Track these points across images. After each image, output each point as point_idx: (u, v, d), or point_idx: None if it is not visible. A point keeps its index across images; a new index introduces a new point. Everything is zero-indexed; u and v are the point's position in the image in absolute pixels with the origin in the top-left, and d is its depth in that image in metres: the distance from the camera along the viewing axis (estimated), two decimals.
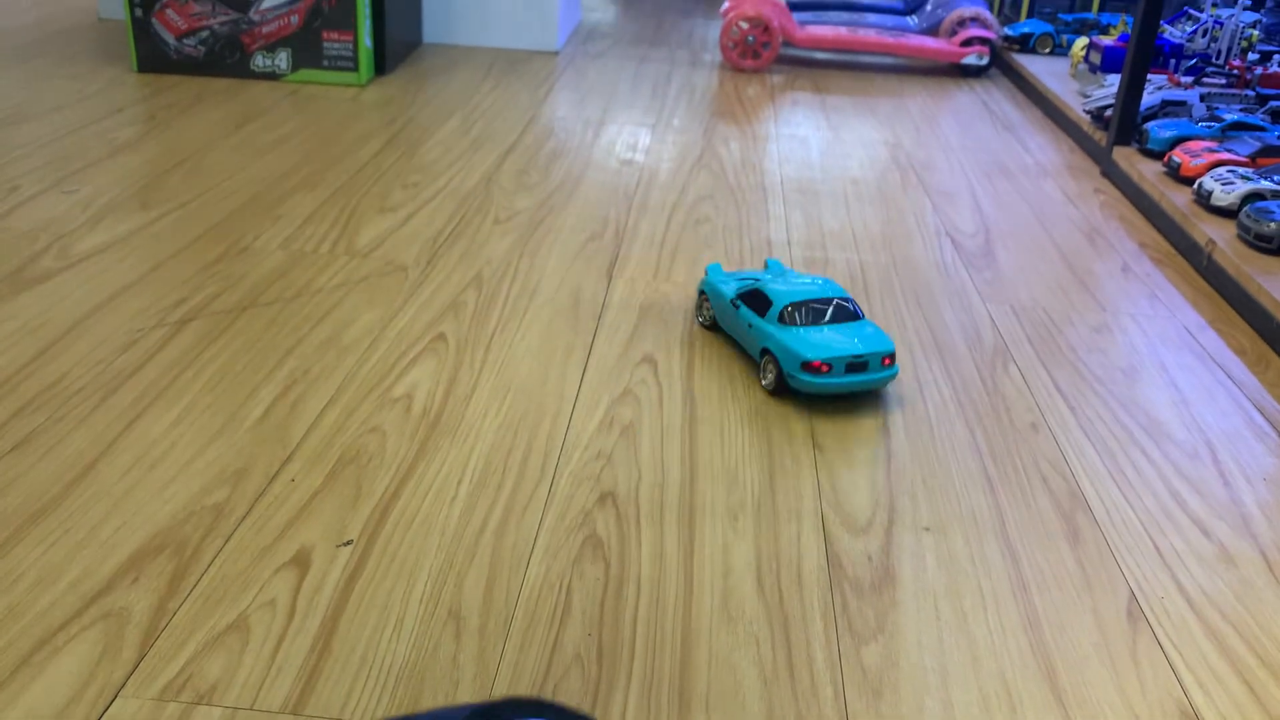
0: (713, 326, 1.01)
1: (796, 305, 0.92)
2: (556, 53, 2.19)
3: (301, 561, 0.67)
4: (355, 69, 1.79)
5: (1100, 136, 1.65)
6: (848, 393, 0.90)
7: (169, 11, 1.75)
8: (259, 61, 1.79)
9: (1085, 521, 0.77)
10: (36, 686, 0.57)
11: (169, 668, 0.58)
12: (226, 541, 0.69)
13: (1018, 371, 0.98)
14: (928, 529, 0.75)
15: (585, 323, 1.02)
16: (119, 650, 0.59)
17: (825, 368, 0.87)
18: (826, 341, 0.89)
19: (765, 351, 0.91)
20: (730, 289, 0.99)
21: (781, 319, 0.92)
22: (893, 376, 0.91)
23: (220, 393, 0.86)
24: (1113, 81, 1.77)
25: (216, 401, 0.84)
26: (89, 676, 0.57)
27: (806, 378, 0.87)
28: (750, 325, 0.94)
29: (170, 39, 1.77)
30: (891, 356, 0.90)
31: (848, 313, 0.94)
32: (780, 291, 0.93)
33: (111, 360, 0.89)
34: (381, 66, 1.88)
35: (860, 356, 0.88)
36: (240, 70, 1.79)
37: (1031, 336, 1.06)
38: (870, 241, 1.28)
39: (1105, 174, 1.60)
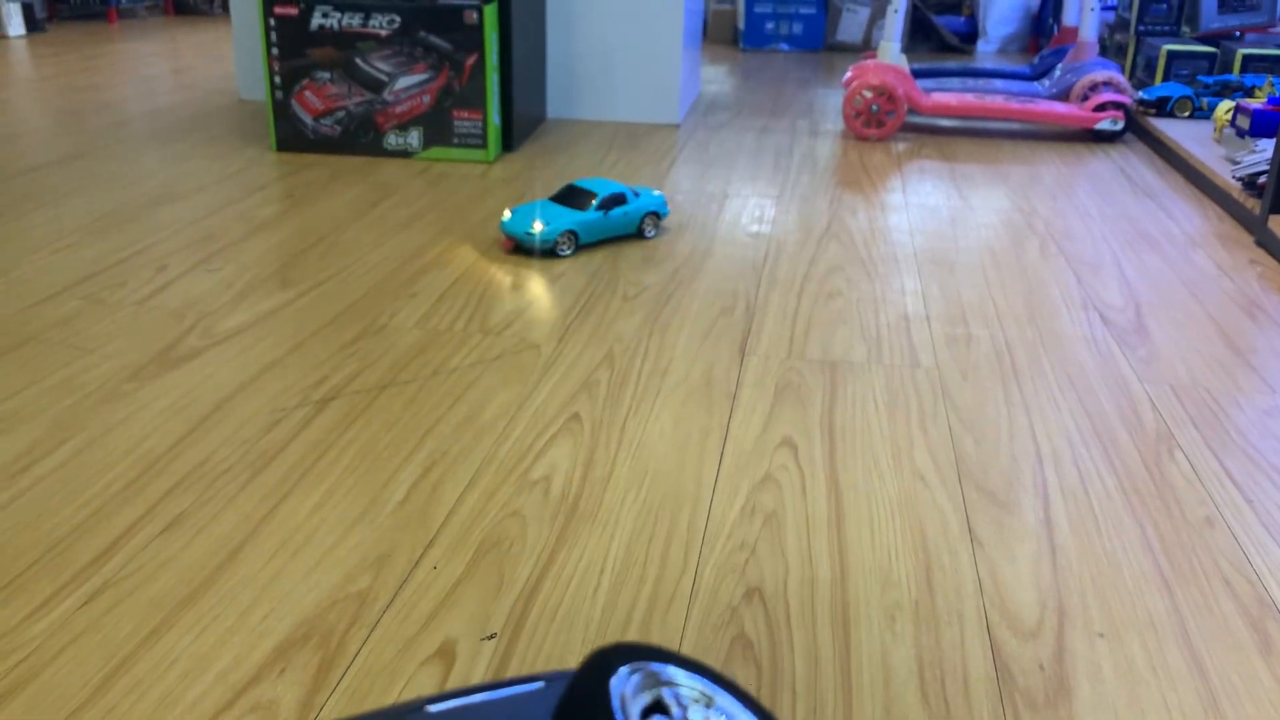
0: (576, 251, 1.40)
1: (629, 189, 1.47)
2: (677, 125, 2.21)
3: (446, 655, 0.66)
4: (484, 146, 1.83)
5: (1253, 204, 1.57)
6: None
7: (308, 93, 1.82)
8: (391, 140, 1.84)
9: (1277, 632, 0.71)
10: None
11: None
12: (371, 631, 0.68)
13: (1185, 459, 0.92)
14: (1101, 634, 0.70)
15: (719, 403, 1.00)
16: None
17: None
18: (653, 196, 1.49)
19: (649, 215, 1.46)
20: (576, 215, 1.39)
21: (636, 194, 1.46)
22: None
23: (362, 474, 0.86)
24: (1265, 146, 1.69)
25: (359, 484, 0.84)
26: None
27: (666, 209, 1.49)
28: (626, 212, 1.43)
29: (308, 119, 1.84)
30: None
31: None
32: (610, 189, 1.43)
33: (256, 440, 0.90)
34: (509, 143, 1.92)
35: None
36: (373, 149, 1.85)
37: (1196, 419, 0.99)
38: (1013, 316, 1.23)
39: (1260, 243, 1.51)
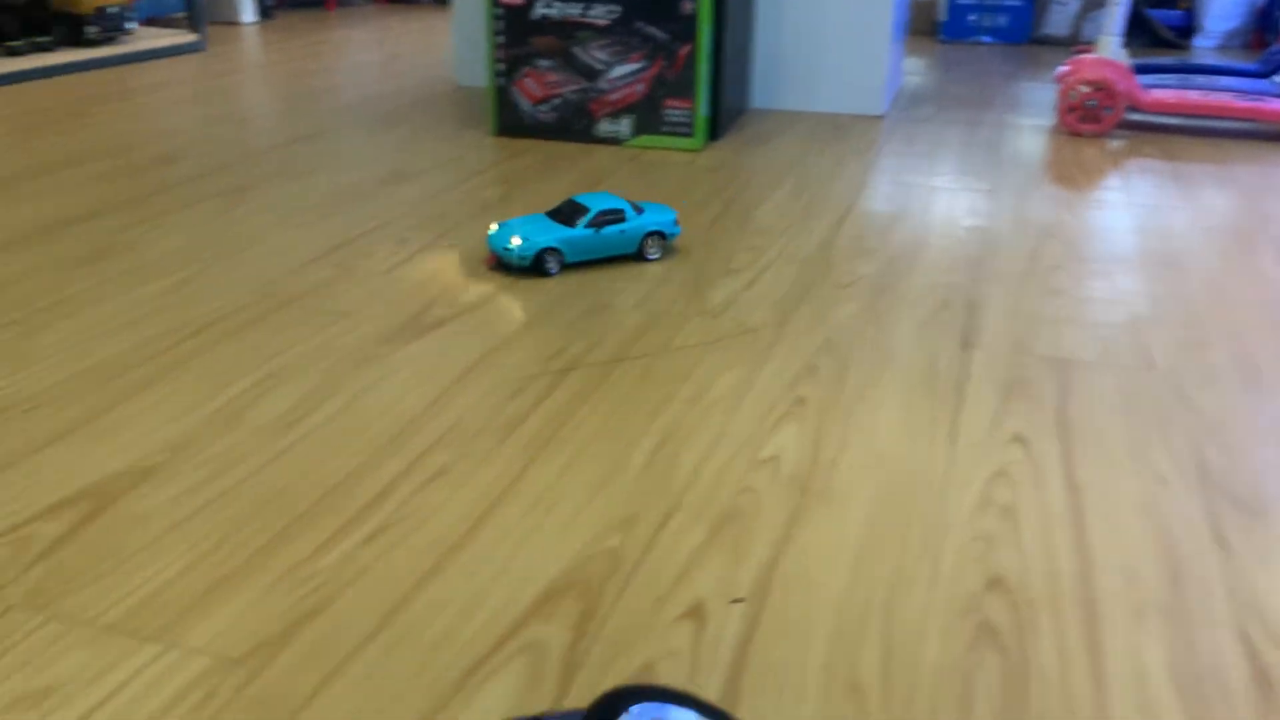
0: (561, 269, 1.30)
1: (631, 205, 1.34)
2: (881, 117, 2.19)
3: (697, 614, 0.69)
4: (692, 135, 1.87)
5: None
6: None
7: (528, 80, 1.90)
8: (603, 127, 1.90)
9: None
10: (475, 707, 0.61)
11: (593, 694, 0.61)
12: (625, 587, 0.72)
13: None
14: None
15: (945, 394, 1.00)
16: (542, 682, 0.63)
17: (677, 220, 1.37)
18: (660, 212, 1.36)
19: (651, 235, 1.33)
20: (562, 231, 1.29)
21: (639, 211, 1.34)
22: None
23: (603, 441, 0.90)
24: None
25: (601, 450, 0.89)
26: (518, 706, 0.61)
27: (675, 230, 1.36)
28: (622, 231, 1.31)
29: (527, 106, 1.92)
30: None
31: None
32: (605, 203, 1.32)
33: (503, 405, 0.96)
34: (715, 132, 1.95)
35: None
36: (585, 135, 1.91)
37: None
38: (1251, 323, 1.18)
39: None
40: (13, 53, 2.42)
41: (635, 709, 0.28)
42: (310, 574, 0.73)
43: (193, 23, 2.85)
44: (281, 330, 1.11)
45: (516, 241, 1.26)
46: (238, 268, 1.28)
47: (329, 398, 0.97)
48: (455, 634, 0.67)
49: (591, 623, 0.68)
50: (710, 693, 0.63)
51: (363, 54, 2.90)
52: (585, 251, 1.30)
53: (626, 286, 1.25)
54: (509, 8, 1.85)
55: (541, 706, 0.61)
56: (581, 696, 0.62)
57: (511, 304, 1.19)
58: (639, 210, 1.33)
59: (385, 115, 2.13)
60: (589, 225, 1.29)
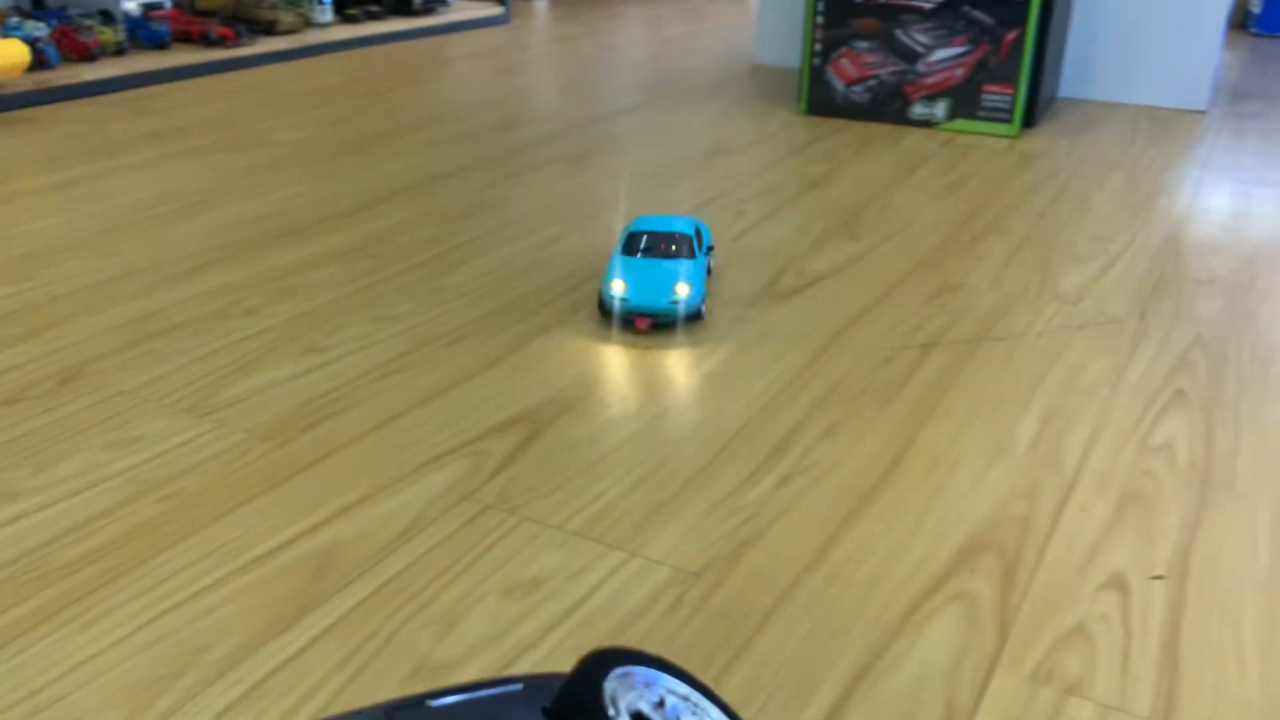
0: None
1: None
2: (1203, 112, 2.09)
3: (1119, 585, 0.72)
4: (1010, 121, 1.85)
5: None
6: None
7: (844, 61, 1.93)
8: (917, 110, 1.91)
9: None
10: (921, 645, 0.66)
11: (1029, 656, 0.65)
12: (1041, 552, 0.75)
13: None
14: None
15: None
16: (980, 630, 0.67)
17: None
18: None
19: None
20: (686, 265, 1.10)
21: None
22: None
23: (984, 416, 0.93)
24: None
25: (984, 424, 0.92)
26: (962, 648, 0.66)
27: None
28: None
29: (840, 86, 1.95)
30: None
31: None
32: (672, 219, 1.15)
33: (875, 372, 1.01)
34: (1029, 120, 1.92)
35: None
36: (898, 117, 1.93)
37: None
38: None
39: None
40: (350, 20, 2.65)
41: (620, 670, 0.28)
42: (738, 507, 0.80)
43: None
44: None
45: (684, 290, 1.07)
46: (597, 229, 1.38)
47: (715, 351, 1.04)
48: (886, 576, 0.72)
49: (1016, 581, 0.72)
50: (1146, 662, 0.65)
51: (655, 29, 3.00)
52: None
53: (974, 268, 1.26)
54: None
55: (987, 652, 0.65)
56: (1021, 647, 0.66)
57: (859, 278, 1.23)
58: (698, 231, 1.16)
59: (692, 91, 2.21)
60: (708, 251, 1.17)
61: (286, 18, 2.40)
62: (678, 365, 1.01)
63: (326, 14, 2.55)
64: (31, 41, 1.99)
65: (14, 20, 2.05)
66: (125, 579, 0.71)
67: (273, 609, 0.68)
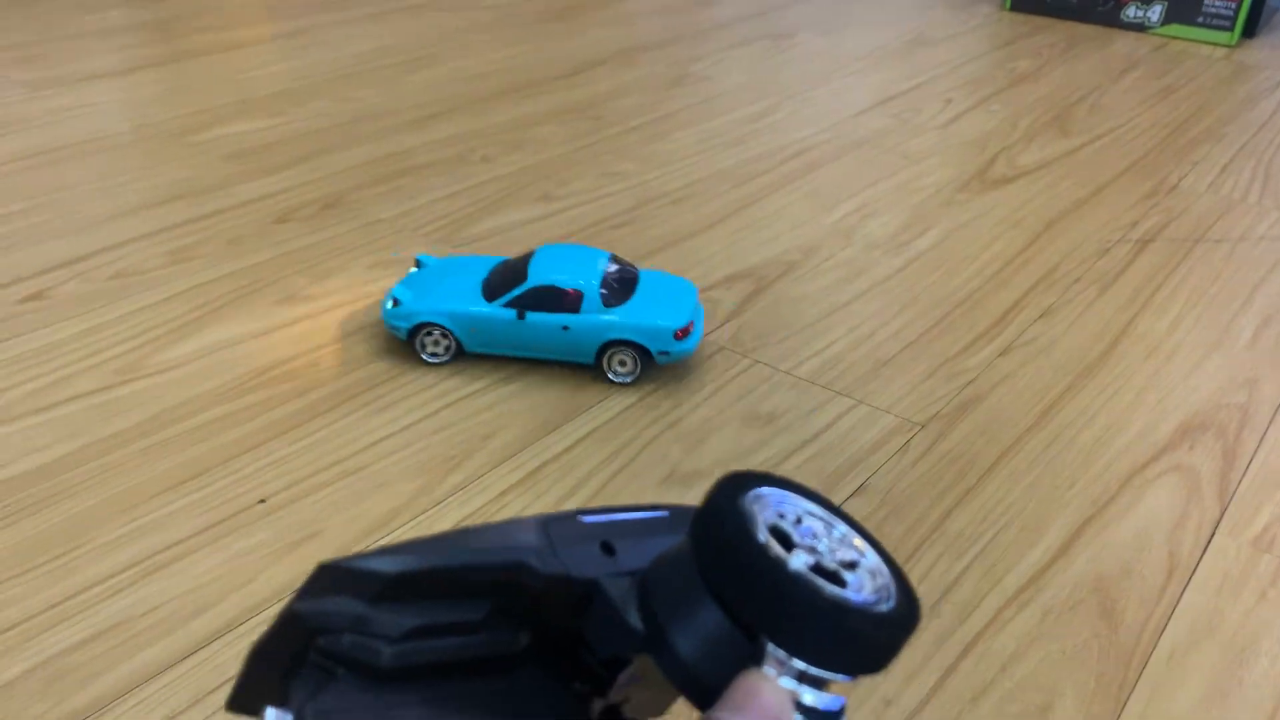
0: (457, 356, 0.81)
1: (608, 283, 0.79)
2: None
3: None
4: (1230, 29, 1.77)
5: None
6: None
7: None
8: (1130, 13, 1.84)
9: None
10: (1143, 505, 0.70)
11: (1251, 525, 0.68)
12: (1261, 438, 0.77)
13: None
14: None
15: None
16: (1200, 498, 0.71)
17: (690, 326, 0.79)
18: (663, 304, 0.79)
19: (611, 345, 0.79)
20: (481, 304, 0.79)
21: (607, 303, 0.78)
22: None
23: (1201, 310, 0.94)
24: None
25: (1201, 317, 0.93)
26: (1183, 511, 0.69)
27: (680, 346, 0.79)
28: (566, 328, 0.78)
29: None
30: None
31: (630, 269, 0.82)
32: (562, 271, 0.78)
33: (1092, 262, 1.02)
34: (1251, 29, 1.83)
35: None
36: (1109, 19, 1.86)
37: None
38: None
39: None
40: None
41: (755, 491, 0.27)
42: (960, 370, 0.84)
43: None
44: (862, 167, 1.22)
45: (393, 304, 0.80)
46: (804, 107, 1.40)
47: (926, 230, 1.07)
48: (1107, 443, 0.76)
49: (1236, 461, 0.74)
50: None
51: None
52: (499, 342, 0.80)
53: (1190, 171, 1.25)
54: None
55: (1208, 517, 0.69)
56: (1242, 516, 0.69)
57: (1071, 172, 1.23)
58: (612, 296, 0.79)
59: None
60: (510, 304, 0.79)
61: None
62: (892, 240, 1.04)
63: None
64: None
65: None
66: (404, 378, 0.79)
67: (542, 412, 0.76)
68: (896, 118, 1.38)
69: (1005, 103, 1.46)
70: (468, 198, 1.09)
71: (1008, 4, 1.95)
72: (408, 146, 1.20)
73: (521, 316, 0.78)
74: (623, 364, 0.79)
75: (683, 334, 0.78)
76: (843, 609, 0.25)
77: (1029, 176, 1.22)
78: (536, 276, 0.78)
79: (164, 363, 0.80)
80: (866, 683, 0.56)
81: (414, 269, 0.84)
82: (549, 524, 0.29)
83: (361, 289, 0.91)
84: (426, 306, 0.79)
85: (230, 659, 0.56)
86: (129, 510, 0.65)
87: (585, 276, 0.78)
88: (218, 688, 0.54)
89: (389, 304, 0.81)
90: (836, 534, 0.27)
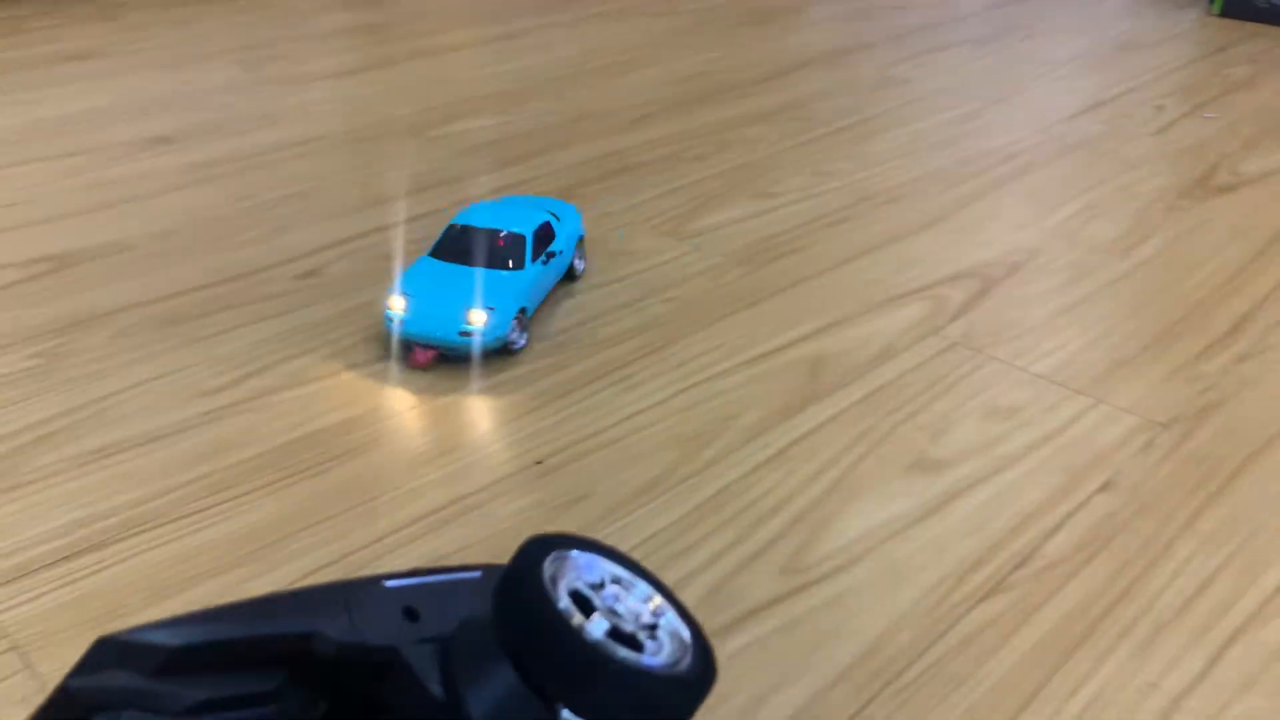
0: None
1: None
2: None
3: None
4: None
5: None
6: None
7: None
8: None
9: None
10: None
11: None
12: None
13: None
14: None
15: None
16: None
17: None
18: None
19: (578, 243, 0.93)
20: (503, 278, 0.83)
21: (555, 216, 0.91)
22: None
23: None
24: None
25: None
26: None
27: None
28: (561, 251, 0.90)
29: None
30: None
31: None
32: (514, 205, 0.89)
33: None
34: None
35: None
36: None
37: None
38: None
39: None
40: None
41: (557, 554, 0.27)
42: (1199, 374, 0.83)
43: None
44: (1079, 171, 1.21)
45: (479, 319, 0.80)
46: (1014, 111, 1.40)
47: (1149, 236, 1.06)
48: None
49: None
50: None
51: None
52: (540, 298, 0.88)
53: None
54: None
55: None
56: None
57: None
58: (555, 216, 0.91)
59: None
60: (538, 258, 0.86)
61: None
62: (1116, 244, 1.04)
63: None
64: None
65: None
66: (652, 358, 0.84)
67: (782, 396, 0.80)
68: (1108, 123, 1.36)
69: (1221, 109, 1.42)
70: (686, 194, 1.14)
71: (1217, 8, 1.89)
72: (623, 146, 1.26)
73: (546, 262, 0.88)
74: (580, 255, 0.94)
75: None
76: (637, 675, 0.25)
77: (1253, 185, 1.19)
78: (514, 224, 0.86)
79: None
80: (1128, 661, 0.57)
81: (396, 308, 0.82)
82: (349, 590, 0.28)
83: (599, 277, 0.97)
84: (507, 304, 0.82)
85: None
86: (424, 465, 0.72)
87: (533, 209, 0.89)
88: None
89: (468, 322, 0.80)
90: (638, 595, 0.28)
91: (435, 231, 1.03)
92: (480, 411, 0.77)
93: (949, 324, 0.90)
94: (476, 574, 0.31)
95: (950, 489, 0.70)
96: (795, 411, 0.78)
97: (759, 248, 1.02)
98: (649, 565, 0.62)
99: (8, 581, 0.62)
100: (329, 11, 1.78)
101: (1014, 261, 1.00)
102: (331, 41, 1.63)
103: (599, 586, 0.27)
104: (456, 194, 1.12)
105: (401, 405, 0.78)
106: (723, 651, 0.58)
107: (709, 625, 0.59)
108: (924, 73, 1.55)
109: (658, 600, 0.28)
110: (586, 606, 0.27)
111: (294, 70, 1.48)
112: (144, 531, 0.66)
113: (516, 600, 0.26)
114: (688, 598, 0.60)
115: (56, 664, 0.56)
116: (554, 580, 0.26)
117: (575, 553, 0.28)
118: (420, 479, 0.70)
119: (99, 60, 1.47)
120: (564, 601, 0.26)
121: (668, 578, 0.63)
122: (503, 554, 0.64)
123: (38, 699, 0.53)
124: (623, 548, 0.66)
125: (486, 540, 0.65)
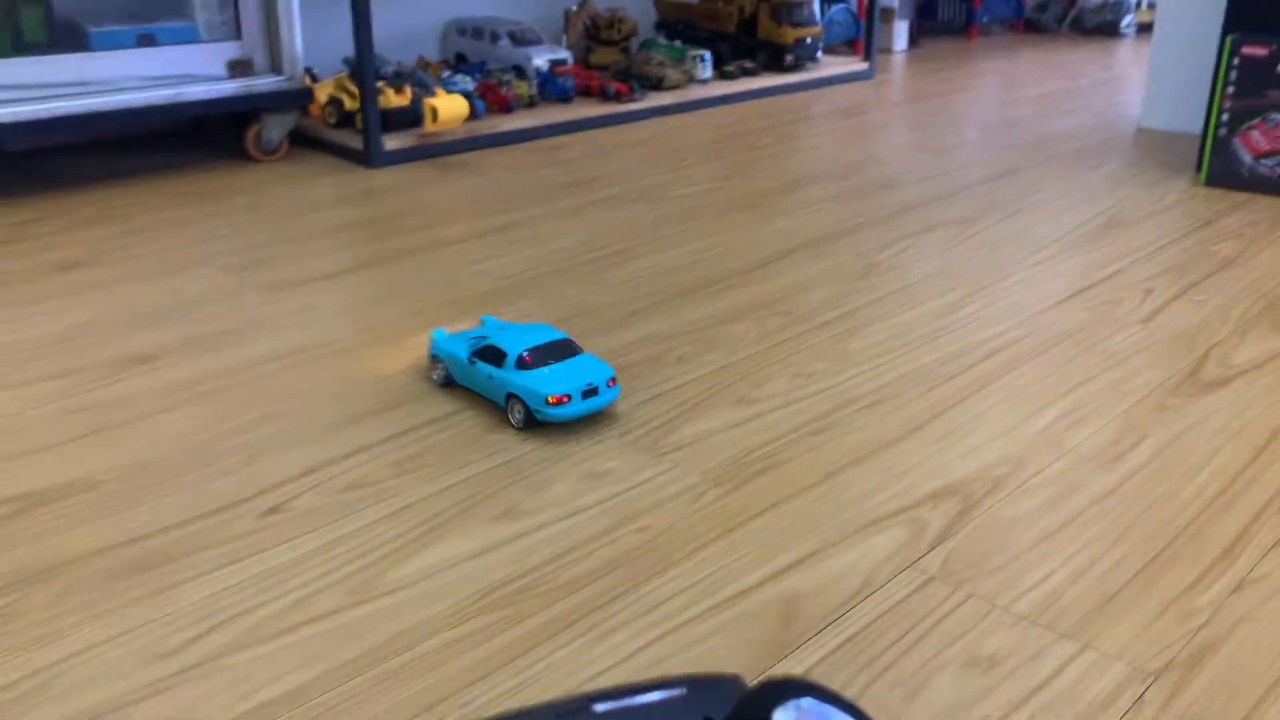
0: (447, 384, 1.16)
1: (530, 351, 1.09)
2: None
3: None
4: None
5: None
6: (586, 415, 1.08)
7: (1255, 133, 1.82)
8: None
9: None
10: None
11: None
12: None
13: None
14: None
15: None
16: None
17: (566, 398, 1.04)
18: (559, 376, 1.06)
19: (510, 396, 1.07)
20: (462, 348, 1.13)
21: (520, 365, 1.08)
22: (617, 396, 1.09)
23: None
24: None
25: None
26: None
27: (552, 411, 1.04)
28: (490, 376, 1.09)
29: (1248, 158, 1.84)
30: (613, 379, 1.08)
31: (571, 349, 1.11)
32: (511, 340, 1.10)
33: None
34: None
35: (590, 384, 1.06)
36: None
37: None
38: None
39: None
40: (726, 76, 2.81)
41: (794, 702, 0.27)
42: (1191, 609, 0.80)
43: (866, 51, 3.09)
44: (1062, 367, 1.20)
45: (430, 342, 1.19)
46: (996, 299, 1.40)
47: (1139, 441, 1.04)
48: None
49: None
50: None
51: (1021, 86, 2.95)
52: (466, 379, 1.14)
53: None
54: (1250, 60, 1.79)
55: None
56: None
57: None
58: (534, 362, 1.08)
59: (1074, 154, 2.17)
60: (472, 353, 1.12)
61: (673, 74, 2.58)
62: (1105, 453, 1.01)
63: (707, 71, 2.71)
64: (466, 95, 2.26)
65: (447, 74, 2.35)
66: (620, 601, 0.81)
67: (754, 648, 0.76)
68: (1094, 310, 1.36)
69: (1211, 291, 1.42)
70: (669, 401, 1.13)
71: (1203, 178, 1.91)
72: (612, 346, 1.26)
73: (471, 362, 1.12)
74: (519, 412, 1.06)
75: (555, 401, 1.04)
76: None
77: (1245, 377, 1.17)
78: (493, 339, 1.11)
79: (397, 581, 0.84)
80: None
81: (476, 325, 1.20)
82: (562, 715, 0.29)
83: (576, 502, 0.95)
84: (441, 347, 1.15)
85: None
86: None
87: (519, 346, 1.09)
88: None
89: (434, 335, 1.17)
90: None
91: (413, 450, 1.02)
92: (435, 679, 0.74)
93: (928, 553, 0.87)
94: (682, 690, 0.31)
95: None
96: (767, 666, 0.75)
97: (737, 463, 1.00)
98: None
99: None
100: (326, 208, 1.82)
101: (996, 476, 0.98)
102: (324, 240, 1.66)
103: None
104: (430, 411, 1.11)
105: (352, 671, 0.75)
106: None
107: None
108: (910, 258, 1.56)
109: None
110: None
111: (284, 274, 1.51)
112: None
113: None
114: None
115: None
116: None
117: (814, 702, 0.28)
118: None
119: (88, 270, 1.50)
120: None
121: None
122: None
123: None
124: None
125: None
